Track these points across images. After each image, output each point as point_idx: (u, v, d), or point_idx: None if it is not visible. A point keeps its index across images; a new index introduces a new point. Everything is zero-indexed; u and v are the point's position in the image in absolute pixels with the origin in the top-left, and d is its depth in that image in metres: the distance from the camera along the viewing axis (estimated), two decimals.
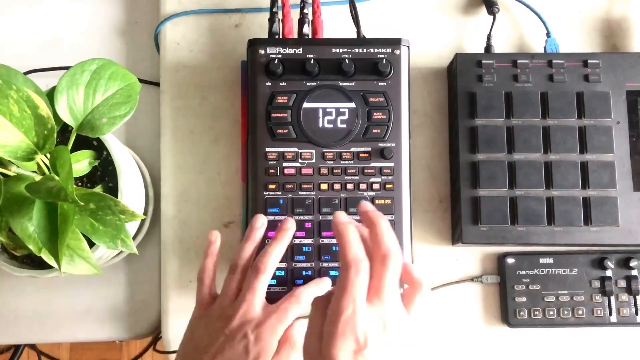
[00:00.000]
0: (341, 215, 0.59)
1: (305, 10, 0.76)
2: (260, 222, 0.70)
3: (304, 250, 0.71)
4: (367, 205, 0.61)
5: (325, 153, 0.73)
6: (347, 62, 0.72)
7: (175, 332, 0.78)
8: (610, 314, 0.76)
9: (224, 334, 0.63)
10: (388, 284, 0.55)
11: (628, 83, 0.75)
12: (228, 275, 0.68)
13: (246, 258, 0.68)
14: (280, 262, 0.70)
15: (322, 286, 0.70)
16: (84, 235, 0.63)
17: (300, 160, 0.72)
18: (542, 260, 0.77)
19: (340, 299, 0.54)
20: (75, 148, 0.68)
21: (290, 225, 0.69)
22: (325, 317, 0.55)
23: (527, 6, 0.81)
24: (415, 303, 0.60)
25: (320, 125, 0.73)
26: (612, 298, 0.76)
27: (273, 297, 0.67)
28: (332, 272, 0.71)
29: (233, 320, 0.64)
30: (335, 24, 0.80)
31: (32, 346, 1.56)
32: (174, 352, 0.77)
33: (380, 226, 0.58)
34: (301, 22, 0.76)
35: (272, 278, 0.69)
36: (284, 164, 0.72)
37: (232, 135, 0.81)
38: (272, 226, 0.71)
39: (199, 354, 0.63)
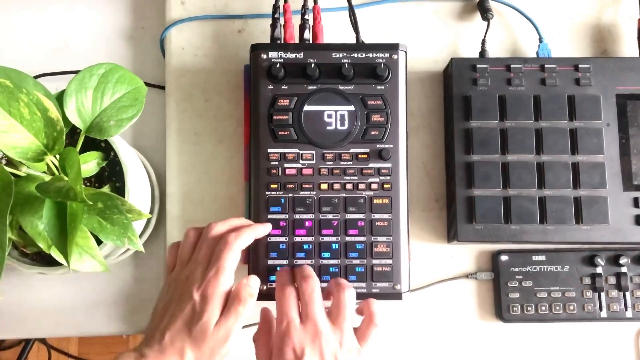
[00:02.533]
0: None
1: (306, 17, 0.77)
2: (265, 231, 0.71)
3: (304, 248, 0.72)
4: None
5: (325, 154, 0.73)
6: (346, 66, 0.73)
7: None
8: (601, 309, 0.77)
9: (178, 294, 0.64)
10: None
11: (618, 87, 0.76)
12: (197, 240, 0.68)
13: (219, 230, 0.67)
14: (281, 259, 0.72)
15: (259, 230, 0.70)
16: (92, 234, 0.63)
17: (301, 161, 0.73)
18: (534, 258, 0.78)
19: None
20: (83, 149, 0.68)
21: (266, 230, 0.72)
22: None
23: (520, 12, 0.82)
24: (369, 338, 0.66)
25: (321, 127, 0.73)
26: (602, 294, 0.77)
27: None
28: (332, 269, 0.72)
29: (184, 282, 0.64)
30: (335, 30, 0.81)
31: (42, 340, 1.57)
32: None
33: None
34: (302, 28, 0.77)
35: (271, 275, 0.71)
36: (285, 165, 0.73)
37: (235, 136, 0.82)
38: (275, 225, 0.72)
39: (159, 317, 0.64)
